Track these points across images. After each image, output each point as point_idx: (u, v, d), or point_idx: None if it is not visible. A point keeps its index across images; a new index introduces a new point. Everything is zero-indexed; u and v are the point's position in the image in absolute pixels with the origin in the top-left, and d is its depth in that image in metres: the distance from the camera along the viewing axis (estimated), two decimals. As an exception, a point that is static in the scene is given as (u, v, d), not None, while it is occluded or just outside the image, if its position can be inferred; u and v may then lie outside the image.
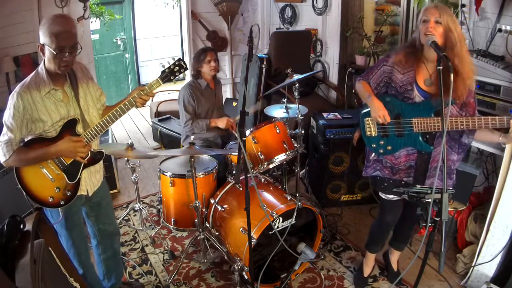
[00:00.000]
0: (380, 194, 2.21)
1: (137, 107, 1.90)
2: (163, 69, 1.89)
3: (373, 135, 2.08)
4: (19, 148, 1.75)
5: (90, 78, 1.98)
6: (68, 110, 1.82)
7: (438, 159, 1.99)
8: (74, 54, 1.73)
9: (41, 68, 1.77)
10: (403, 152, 2.04)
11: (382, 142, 2.07)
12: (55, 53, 1.66)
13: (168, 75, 1.88)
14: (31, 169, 1.82)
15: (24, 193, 1.84)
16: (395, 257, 2.53)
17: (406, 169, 2.07)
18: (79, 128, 1.85)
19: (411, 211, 2.24)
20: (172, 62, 1.89)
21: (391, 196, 2.15)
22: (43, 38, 1.67)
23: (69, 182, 1.87)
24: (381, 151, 2.07)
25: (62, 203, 1.88)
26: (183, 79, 5.95)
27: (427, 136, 1.97)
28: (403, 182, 2.09)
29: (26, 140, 1.77)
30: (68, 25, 1.70)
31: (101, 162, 2.04)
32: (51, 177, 1.84)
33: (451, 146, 1.99)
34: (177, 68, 1.88)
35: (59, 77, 1.79)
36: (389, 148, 2.05)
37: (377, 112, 1.96)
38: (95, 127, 1.84)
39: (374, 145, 2.09)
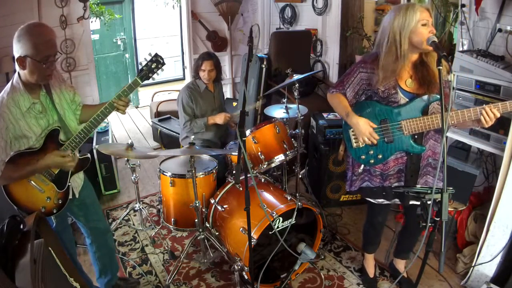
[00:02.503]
0: (368, 199, 2.16)
1: (118, 110, 1.82)
2: (141, 67, 1.82)
3: (360, 146, 1.99)
4: (6, 167, 1.70)
5: (62, 81, 1.93)
6: (47, 120, 1.79)
7: (427, 156, 1.98)
8: (56, 61, 1.70)
9: (16, 82, 1.70)
10: (391, 157, 1.98)
11: (371, 152, 1.98)
12: (42, 63, 1.61)
13: (147, 72, 1.82)
14: (18, 184, 1.80)
15: (15, 207, 1.82)
16: (402, 265, 2.48)
17: (395, 174, 2.01)
18: (62, 136, 1.82)
19: (415, 221, 2.18)
20: (148, 59, 1.82)
21: (380, 200, 2.11)
22: (25, 50, 1.60)
23: (59, 191, 1.87)
24: (372, 161, 1.99)
25: (55, 211, 1.88)
26: (183, 79, 5.95)
27: (416, 136, 1.93)
28: (392, 187, 2.03)
29: (9, 156, 1.72)
30: (50, 34, 1.66)
31: None
32: (40, 188, 1.83)
33: (438, 140, 1.97)
34: (155, 64, 1.81)
35: (35, 87, 1.75)
36: (380, 156, 1.97)
37: (364, 133, 1.88)
38: (78, 135, 1.80)
39: (363, 156, 2.01)
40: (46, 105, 1.80)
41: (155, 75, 1.84)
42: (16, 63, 1.66)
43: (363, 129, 1.90)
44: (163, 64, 1.83)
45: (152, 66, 1.81)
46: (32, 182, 1.81)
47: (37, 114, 1.75)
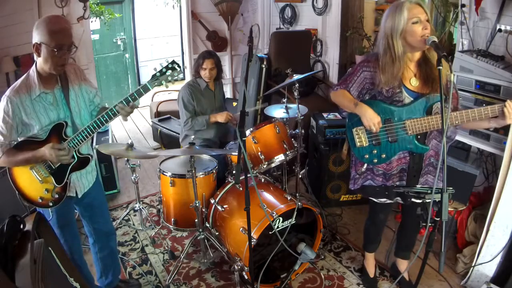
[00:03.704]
0: (371, 198, 2.16)
1: (122, 116, 1.79)
2: (154, 72, 1.77)
3: (364, 145, 1.98)
4: (9, 150, 1.77)
5: (84, 80, 1.95)
6: (58, 113, 1.81)
7: (429, 156, 1.98)
8: (70, 53, 1.74)
9: (32, 70, 1.76)
10: (394, 157, 1.97)
11: (375, 151, 1.97)
12: (55, 50, 1.65)
13: (159, 79, 1.76)
14: (21, 169, 1.85)
15: (16, 192, 1.87)
16: (404, 266, 2.47)
17: (398, 173, 2.01)
18: (68, 131, 1.84)
19: (412, 218, 2.19)
20: (164, 65, 1.76)
21: (383, 200, 2.11)
22: (41, 37, 1.66)
23: (57, 185, 1.88)
24: (375, 160, 1.98)
25: (51, 204, 1.89)
26: (183, 79, 5.95)
27: (419, 136, 1.92)
28: (395, 186, 2.03)
29: (19, 139, 1.79)
30: (66, 24, 1.72)
31: (93, 163, 2.04)
32: (39, 179, 1.85)
33: (440, 140, 1.96)
34: (170, 71, 1.76)
35: (50, 79, 1.78)
36: (384, 156, 1.96)
37: (372, 120, 1.86)
38: (81, 133, 1.81)
39: (367, 156, 1.99)
40: (59, 99, 1.82)
41: (169, 84, 1.78)
42: (33, 50, 1.71)
43: (372, 116, 1.87)
44: (180, 72, 1.79)
45: (167, 73, 1.76)
46: (32, 170, 1.84)
47: (47, 105, 1.78)
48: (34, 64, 1.76)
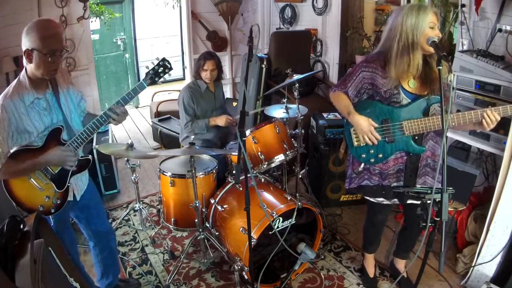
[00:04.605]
0: (368, 198, 2.17)
1: (113, 120, 1.80)
2: (147, 70, 1.82)
3: (361, 145, 2.00)
4: (7, 161, 1.71)
5: (70, 83, 1.95)
6: (51, 118, 1.80)
7: (426, 157, 1.98)
8: (62, 57, 1.72)
9: (23, 76, 1.72)
10: (391, 157, 1.98)
11: (372, 151, 1.99)
12: (48, 56, 1.63)
13: (153, 76, 1.81)
14: (18, 180, 1.80)
15: (14, 204, 1.82)
16: (402, 265, 2.48)
17: (395, 173, 2.01)
18: (64, 136, 1.82)
19: (414, 220, 2.17)
20: (156, 63, 1.82)
21: (380, 199, 2.11)
22: (32, 43, 1.62)
23: (58, 191, 1.86)
24: (372, 160, 2.00)
25: (52, 211, 1.87)
26: (183, 79, 5.96)
27: (416, 137, 1.93)
28: (392, 186, 2.03)
29: (11, 151, 1.73)
30: (58, 28, 1.69)
31: None
32: (39, 186, 1.83)
33: (438, 141, 1.98)
34: (162, 69, 1.81)
35: (41, 84, 1.76)
36: (380, 156, 1.97)
37: (365, 131, 1.89)
38: (81, 135, 1.80)
39: (364, 155, 2.01)
40: (52, 103, 1.81)
41: (161, 79, 1.84)
42: (23, 56, 1.67)
43: (365, 127, 1.91)
44: (170, 69, 1.84)
45: (159, 71, 1.81)
46: (31, 179, 1.81)
47: (41, 111, 1.76)
48: (24, 70, 1.72)
